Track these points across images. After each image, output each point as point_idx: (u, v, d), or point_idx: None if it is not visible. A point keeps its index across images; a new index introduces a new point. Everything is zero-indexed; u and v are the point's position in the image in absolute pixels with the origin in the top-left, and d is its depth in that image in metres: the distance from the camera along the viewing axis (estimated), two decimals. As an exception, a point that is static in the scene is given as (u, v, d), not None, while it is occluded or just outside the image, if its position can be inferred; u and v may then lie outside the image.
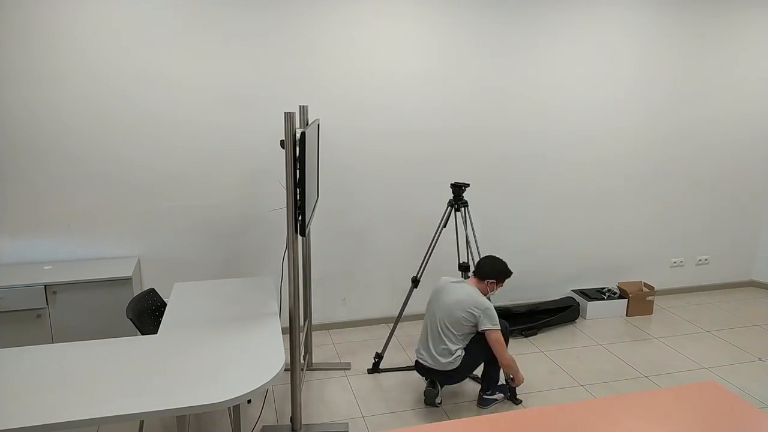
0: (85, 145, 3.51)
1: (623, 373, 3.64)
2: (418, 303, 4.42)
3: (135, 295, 3.05)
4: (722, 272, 5.11)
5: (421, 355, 3.19)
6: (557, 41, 4.17)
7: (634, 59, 4.37)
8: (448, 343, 3.07)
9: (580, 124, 4.39)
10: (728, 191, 4.92)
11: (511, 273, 3.20)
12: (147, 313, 2.93)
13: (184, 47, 3.52)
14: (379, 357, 3.60)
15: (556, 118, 4.32)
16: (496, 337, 3.05)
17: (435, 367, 3.10)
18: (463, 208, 3.54)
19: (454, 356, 3.06)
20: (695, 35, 4.45)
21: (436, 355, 3.09)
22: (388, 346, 3.98)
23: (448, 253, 4.35)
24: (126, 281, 3.36)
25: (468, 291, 3.09)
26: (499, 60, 4.09)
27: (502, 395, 3.33)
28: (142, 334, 2.74)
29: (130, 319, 2.72)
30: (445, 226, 3.57)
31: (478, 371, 3.53)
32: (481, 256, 3.37)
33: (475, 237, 3.70)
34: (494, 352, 3.08)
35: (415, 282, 3.59)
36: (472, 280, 3.22)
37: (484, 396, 3.28)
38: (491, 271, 3.17)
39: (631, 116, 4.49)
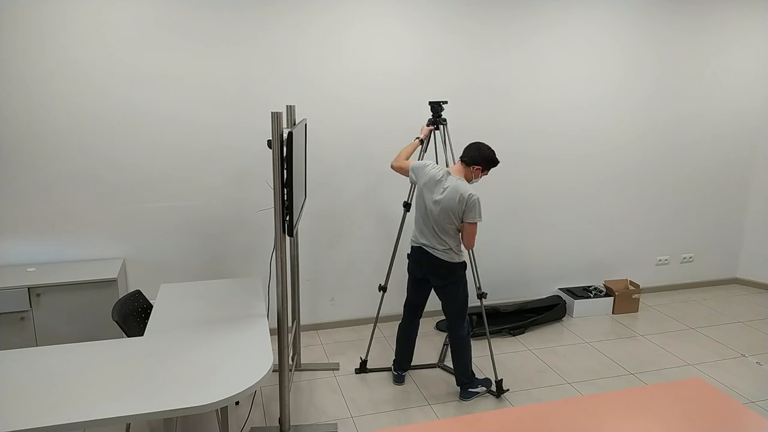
0: (69, 145, 3.47)
1: (610, 371, 3.67)
2: (398, 303, 4.42)
3: (120, 297, 3.02)
4: (706, 270, 5.17)
5: (421, 242, 3.16)
6: (542, 41, 4.20)
7: (619, 59, 4.41)
8: (446, 240, 3.08)
9: (566, 124, 4.42)
10: (712, 190, 4.98)
11: (498, 162, 3.14)
12: (133, 316, 2.90)
13: (170, 47, 3.49)
14: (363, 361, 3.60)
15: (542, 118, 4.35)
16: (472, 230, 3.04)
17: (438, 256, 3.10)
18: (441, 126, 3.45)
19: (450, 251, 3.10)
20: (678, 35, 4.50)
21: (437, 245, 3.10)
22: (375, 347, 3.98)
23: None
24: (111, 283, 3.32)
25: (456, 183, 3.02)
26: (484, 59, 4.10)
27: (484, 388, 3.35)
28: (128, 336, 2.71)
29: (116, 322, 2.69)
30: (425, 150, 3.47)
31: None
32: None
33: (453, 158, 3.49)
34: (464, 240, 3.09)
35: (383, 288, 3.59)
36: (457, 166, 3.12)
37: (470, 389, 3.30)
38: (479, 157, 3.06)
39: (616, 115, 4.53)
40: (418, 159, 3.41)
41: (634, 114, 4.57)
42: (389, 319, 4.39)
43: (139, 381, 2.11)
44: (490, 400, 3.32)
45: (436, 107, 3.43)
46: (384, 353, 3.88)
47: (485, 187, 4.33)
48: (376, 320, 3.70)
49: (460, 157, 3.14)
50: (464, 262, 3.17)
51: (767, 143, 4.94)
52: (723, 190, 5.01)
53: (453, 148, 4.12)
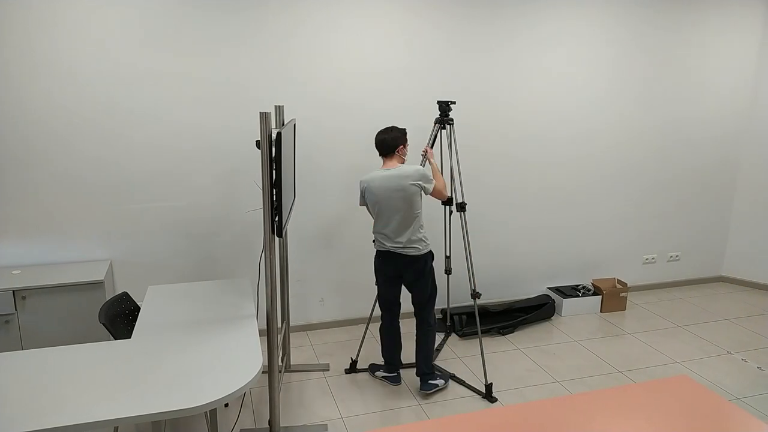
0: (54, 145, 3.43)
1: (598, 369, 3.70)
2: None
3: (107, 299, 2.99)
4: (693, 268, 5.23)
5: (390, 244, 3.19)
6: (532, 44, 4.22)
7: (608, 61, 4.44)
8: (416, 231, 3.15)
9: (554, 125, 4.44)
10: (698, 191, 5.03)
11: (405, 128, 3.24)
12: (120, 318, 2.88)
13: (159, 47, 3.47)
14: (354, 361, 3.60)
15: (531, 119, 4.37)
16: (437, 188, 3.18)
17: (410, 253, 3.16)
18: (448, 126, 3.50)
19: (422, 242, 3.19)
20: (665, 39, 4.55)
21: (409, 243, 3.16)
22: (366, 346, 3.97)
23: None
24: (98, 285, 3.29)
25: (399, 170, 3.09)
26: (474, 61, 4.12)
27: (443, 381, 3.40)
28: (115, 339, 2.68)
29: (103, 324, 2.66)
30: (432, 146, 3.51)
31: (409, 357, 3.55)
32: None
33: (458, 160, 3.50)
34: (437, 194, 3.20)
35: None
36: (388, 162, 3.18)
37: (430, 381, 3.35)
38: (395, 138, 3.15)
39: (605, 117, 4.56)
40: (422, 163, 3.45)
41: (623, 116, 4.61)
42: (347, 323, 4.36)
43: (127, 384, 2.09)
44: (480, 400, 3.33)
45: (444, 107, 3.48)
46: (375, 353, 3.88)
47: (474, 187, 4.35)
48: (369, 318, 3.69)
49: (381, 154, 3.20)
50: (432, 251, 3.25)
51: (751, 145, 5.00)
52: (708, 190, 5.07)
53: (458, 148, 4.14)
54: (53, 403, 1.96)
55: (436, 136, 3.51)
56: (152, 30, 3.44)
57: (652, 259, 5.06)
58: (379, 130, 3.25)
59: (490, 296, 4.64)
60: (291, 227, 4.02)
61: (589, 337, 4.16)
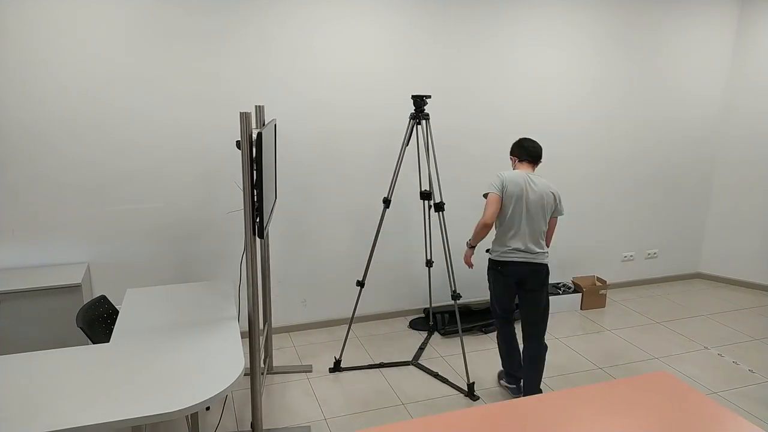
0: (30, 145, 3.36)
1: (579, 366, 3.74)
2: (372, 303, 4.43)
3: (85, 303, 2.94)
4: (670, 265, 5.31)
5: (520, 253, 3.06)
6: (514, 44, 4.25)
7: (587, 63, 4.49)
8: (541, 240, 3.11)
9: (534, 125, 4.48)
10: (675, 189, 5.12)
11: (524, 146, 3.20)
12: (98, 322, 2.83)
13: (138, 46, 3.42)
14: (338, 360, 3.60)
15: (511, 119, 4.40)
16: (556, 222, 3.18)
17: (536, 261, 3.06)
18: (424, 122, 3.41)
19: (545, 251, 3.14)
20: (646, 40, 4.62)
21: (537, 250, 3.07)
22: (350, 346, 3.97)
23: (412, 184, 4.37)
24: (75, 288, 3.23)
25: (543, 181, 3.08)
26: (456, 60, 4.13)
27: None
28: (94, 343, 2.64)
29: (81, 328, 2.61)
30: (408, 143, 3.48)
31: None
32: (526, 138, 3.18)
33: (435, 156, 3.47)
34: (550, 235, 3.16)
35: (361, 284, 3.58)
36: (529, 167, 3.14)
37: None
38: (539, 148, 3.14)
39: (582, 118, 4.62)
40: (399, 157, 3.41)
41: (601, 117, 4.67)
42: (364, 319, 4.38)
43: (106, 388, 2.05)
44: (463, 399, 3.35)
45: (419, 101, 3.41)
46: (358, 352, 3.87)
47: (454, 186, 4.36)
48: (352, 318, 3.69)
49: (529, 160, 3.14)
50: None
51: (727, 145, 5.10)
52: (685, 189, 5.16)
53: (434, 144, 4.13)
54: (29, 409, 1.92)
55: (411, 133, 3.49)
56: (133, 29, 3.39)
57: (631, 256, 5.14)
58: (526, 137, 3.18)
59: (473, 295, 4.66)
60: (272, 228, 3.99)
61: (570, 334, 4.21)
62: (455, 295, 3.43)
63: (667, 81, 4.80)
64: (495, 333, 4.20)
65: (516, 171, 3.10)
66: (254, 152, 2.55)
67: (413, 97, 3.42)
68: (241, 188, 3.83)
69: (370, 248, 3.62)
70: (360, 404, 3.28)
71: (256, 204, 2.61)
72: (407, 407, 3.25)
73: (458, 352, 3.89)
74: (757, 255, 5.08)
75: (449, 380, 3.53)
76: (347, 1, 3.78)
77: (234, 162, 3.79)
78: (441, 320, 4.24)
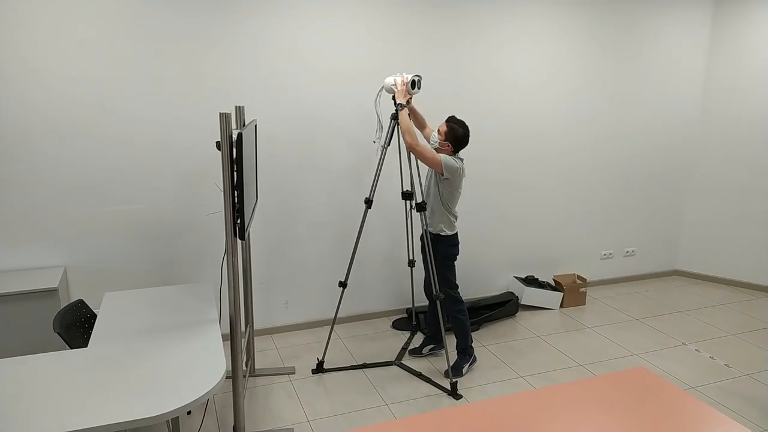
0: (4, 144, 3.28)
1: (560, 363, 3.78)
2: (355, 303, 4.42)
3: (62, 307, 2.89)
4: (648, 263, 5.40)
5: None
6: (495, 47, 4.27)
7: (567, 65, 4.54)
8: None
9: (515, 126, 4.52)
10: (652, 189, 5.20)
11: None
12: (76, 326, 2.78)
13: (117, 45, 3.37)
14: (320, 362, 3.58)
15: (493, 118, 4.43)
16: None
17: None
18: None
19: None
20: (621, 45, 4.68)
21: None
22: (333, 347, 3.95)
23: (394, 186, 4.37)
24: (52, 293, 3.17)
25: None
26: (440, 59, 4.15)
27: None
28: (71, 348, 2.59)
29: (58, 333, 2.56)
30: (389, 143, 3.48)
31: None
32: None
33: (417, 160, 3.43)
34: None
35: (343, 284, 3.56)
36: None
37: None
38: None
39: (563, 118, 4.67)
40: (380, 160, 3.41)
41: (582, 117, 4.72)
42: (347, 320, 4.37)
43: (84, 394, 2.02)
44: (446, 398, 3.36)
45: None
46: (342, 354, 3.86)
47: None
48: (335, 318, 3.67)
49: (465, 148, 3.44)
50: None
51: (703, 146, 5.20)
52: (663, 188, 5.25)
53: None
54: (6, 416, 1.88)
55: (393, 133, 3.48)
56: (115, 29, 3.34)
57: (609, 254, 5.20)
58: (461, 122, 3.38)
59: (455, 294, 4.68)
60: (254, 229, 3.96)
61: (551, 332, 4.25)
62: (437, 295, 3.44)
63: (646, 82, 4.88)
64: (478, 331, 4.23)
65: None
66: (234, 153, 2.53)
67: (394, 97, 3.40)
68: (222, 189, 3.80)
69: (353, 249, 3.61)
70: (343, 405, 3.27)
71: (237, 205, 2.59)
72: (390, 408, 3.25)
73: (440, 352, 3.90)
74: (732, 252, 5.19)
75: (432, 379, 3.54)
76: (331, 3, 3.77)
77: (215, 163, 3.75)
78: (424, 320, 4.24)
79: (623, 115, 4.89)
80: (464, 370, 3.59)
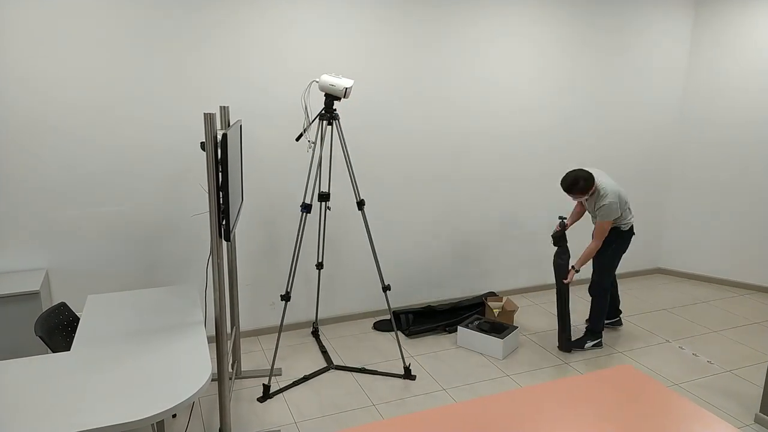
0: (-19, 150, 3.23)
1: (546, 361, 3.80)
2: (340, 304, 4.41)
3: (44, 310, 2.85)
4: (631, 261, 5.45)
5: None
6: (480, 43, 4.29)
7: (545, 64, 4.57)
8: None
9: (493, 126, 4.54)
10: (634, 187, 5.25)
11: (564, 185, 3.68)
12: (58, 330, 2.74)
13: (99, 44, 3.32)
14: (266, 386, 3.36)
15: (475, 117, 4.45)
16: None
17: None
18: (334, 122, 3.29)
19: None
20: (602, 47, 4.73)
21: None
22: (318, 350, 3.94)
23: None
24: (33, 296, 3.12)
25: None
26: (422, 58, 4.15)
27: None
28: (53, 352, 2.55)
29: (40, 337, 2.52)
30: (322, 140, 3.43)
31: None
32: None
33: (348, 157, 3.38)
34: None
35: (287, 297, 3.45)
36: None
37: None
38: (566, 180, 3.68)
39: (548, 118, 4.70)
40: (311, 159, 3.37)
41: (565, 117, 4.76)
42: (294, 327, 4.26)
43: (68, 398, 1.99)
44: (432, 397, 3.37)
45: (330, 100, 3.29)
46: (331, 355, 3.85)
47: (418, 186, 4.39)
48: (280, 330, 3.57)
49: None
50: None
51: (684, 146, 5.27)
52: (645, 187, 5.30)
53: (347, 145, 4.05)
54: (-15, 423, 1.84)
55: (324, 134, 3.38)
56: (96, 27, 3.29)
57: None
58: (567, 179, 3.66)
59: (435, 295, 4.69)
60: (239, 230, 3.94)
61: (537, 330, 4.27)
62: (386, 287, 3.50)
63: (628, 83, 4.92)
64: (452, 332, 4.24)
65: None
66: (219, 153, 2.51)
67: (326, 95, 3.30)
68: (206, 190, 3.77)
69: (293, 258, 3.57)
70: (330, 407, 3.26)
71: (222, 206, 2.57)
72: (378, 408, 3.25)
73: (424, 352, 3.91)
74: (714, 250, 5.26)
75: (380, 370, 3.54)
76: (314, 3, 3.76)
77: (199, 163, 3.72)
78: (405, 320, 4.25)
79: (605, 116, 4.94)
80: (587, 346, 3.96)
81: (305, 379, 3.55)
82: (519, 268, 4.95)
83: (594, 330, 3.97)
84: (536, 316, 4.53)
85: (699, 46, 5.04)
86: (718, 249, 5.24)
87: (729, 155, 5.05)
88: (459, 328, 4.01)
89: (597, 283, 3.91)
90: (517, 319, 4.47)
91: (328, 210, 4.09)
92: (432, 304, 4.48)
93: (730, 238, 5.15)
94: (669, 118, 5.21)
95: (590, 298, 4.04)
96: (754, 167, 4.94)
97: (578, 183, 3.60)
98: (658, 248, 5.55)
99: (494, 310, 4.30)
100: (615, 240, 3.81)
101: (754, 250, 5.05)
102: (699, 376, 3.62)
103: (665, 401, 2.00)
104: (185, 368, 2.22)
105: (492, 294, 4.71)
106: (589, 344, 3.96)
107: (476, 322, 4.06)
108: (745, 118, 4.92)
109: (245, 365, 3.73)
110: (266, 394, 3.35)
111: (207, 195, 3.76)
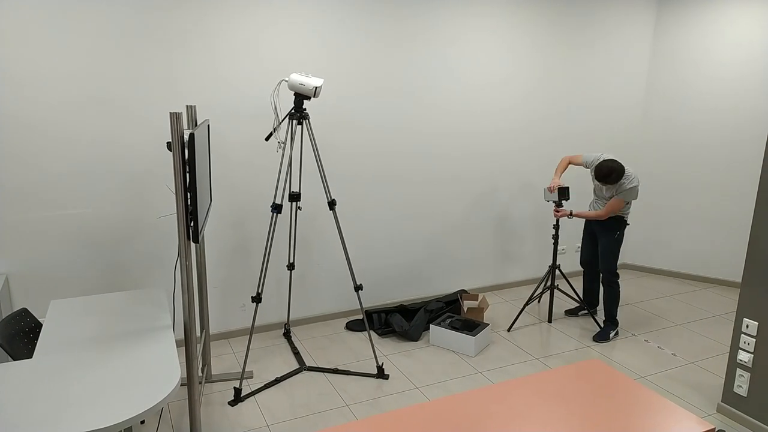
0: (-66, 152, 3.10)
1: (517, 357, 3.85)
2: (312, 305, 4.39)
3: (4, 317, 2.75)
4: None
5: None
6: (447, 44, 4.32)
7: (523, 67, 4.63)
8: None
9: (462, 125, 4.58)
10: (601, 183, 5.36)
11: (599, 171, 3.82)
12: (19, 337, 2.65)
13: (60, 43, 3.22)
14: (238, 389, 3.30)
15: (446, 119, 4.48)
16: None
17: None
18: (304, 122, 3.26)
19: None
20: (572, 50, 4.81)
21: None
22: (290, 351, 3.91)
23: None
24: (-8, 302, 3.01)
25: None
26: (393, 57, 4.16)
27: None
28: (14, 360, 2.47)
29: (-1, 345, 2.44)
30: (292, 140, 3.40)
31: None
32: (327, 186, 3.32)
33: (319, 157, 3.37)
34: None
35: (258, 298, 3.40)
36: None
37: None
38: (602, 170, 3.84)
39: (516, 118, 4.76)
40: (281, 158, 3.36)
41: (532, 117, 4.83)
42: (265, 329, 4.23)
43: (30, 407, 1.92)
44: (406, 395, 3.37)
45: (299, 99, 3.27)
46: (301, 356, 3.82)
47: (398, 184, 4.39)
48: (251, 332, 3.52)
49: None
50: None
51: (645, 148, 5.40)
52: (610, 183, 5.42)
53: (318, 144, 4.04)
54: (-59, 435, 1.77)
55: (293, 134, 3.35)
56: (58, 24, 3.19)
57: (562, 249, 5.34)
58: (603, 168, 3.81)
59: (407, 294, 4.70)
60: (208, 231, 3.88)
61: (506, 327, 4.32)
62: (358, 287, 3.51)
63: (591, 84, 5.02)
64: (425, 330, 4.26)
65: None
66: (186, 154, 2.46)
67: (295, 95, 3.28)
68: (173, 191, 3.69)
69: (263, 259, 3.53)
70: (302, 408, 3.24)
71: (190, 207, 2.52)
72: (351, 408, 3.24)
73: (398, 351, 3.92)
74: (676, 246, 5.41)
75: (352, 370, 3.54)
76: (283, 3, 3.72)
77: (165, 163, 3.65)
78: (378, 320, 4.25)
79: (570, 116, 5.03)
80: (611, 336, 4.13)
81: (277, 381, 3.52)
82: (489, 266, 5.00)
83: (613, 319, 4.16)
84: (506, 313, 4.59)
85: (660, 49, 5.18)
86: (680, 244, 5.39)
87: (690, 155, 5.21)
88: (431, 326, 4.03)
89: (608, 271, 4.07)
90: (488, 316, 4.52)
91: (299, 210, 4.07)
92: (403, 303, 4.49)
93: (692, 234, 5.31)
94: (631, 119, 5.34)
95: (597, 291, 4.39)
96: (713, 165, 5.11)
97: (612, 174, 3.77)
98: (623, 245, 5.67)
99: (469, 309, 4.33)
100: (619, 228, 4.03)
101: (714, 245, 5.22)
102: (664, 368, 3.72)
103: (632, 393, 2.05)
104: (153, 373, 2.18)
105: (464, 292, 4.75)
106: (612, 333, 4.14)
107: (448, 320, 4.09)
108: (705, 119, 5.07)
109: (216, 369, 3.67)
110: (238, 398, 3.31)
111: (174, 196, 3.69)
